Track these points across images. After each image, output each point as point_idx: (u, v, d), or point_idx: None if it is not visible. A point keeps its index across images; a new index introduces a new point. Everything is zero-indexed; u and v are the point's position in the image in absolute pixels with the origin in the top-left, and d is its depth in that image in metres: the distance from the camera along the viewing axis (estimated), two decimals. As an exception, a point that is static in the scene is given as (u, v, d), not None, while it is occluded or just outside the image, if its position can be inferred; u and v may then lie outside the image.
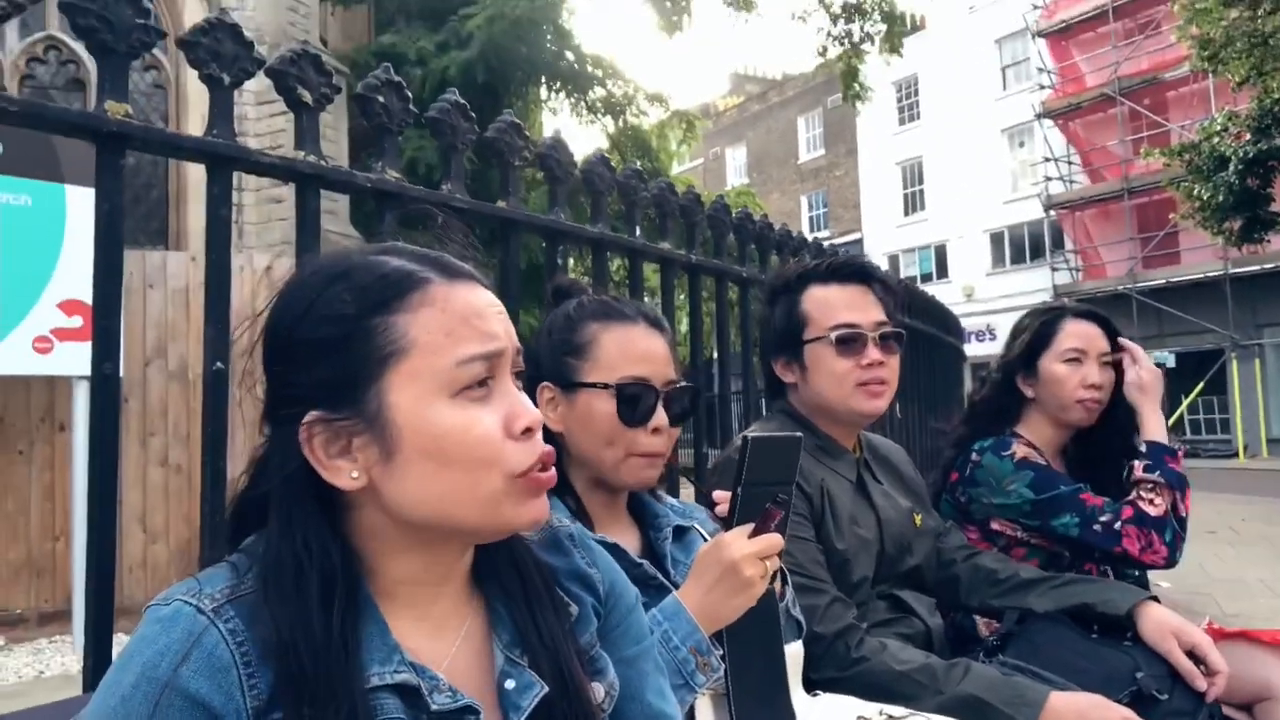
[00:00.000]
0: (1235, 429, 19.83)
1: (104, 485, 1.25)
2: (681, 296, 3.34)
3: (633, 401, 1.30)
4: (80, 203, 4.93)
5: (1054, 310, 2.18)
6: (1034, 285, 23.45)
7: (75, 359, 4.91)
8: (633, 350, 1.32)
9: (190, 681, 0.69)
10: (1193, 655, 1.60)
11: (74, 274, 4.91)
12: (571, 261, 2.15)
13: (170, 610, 0.72)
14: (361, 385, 0.76)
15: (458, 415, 0.76)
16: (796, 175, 32.12)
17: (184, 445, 5.58)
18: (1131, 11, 21.71)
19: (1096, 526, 1.87)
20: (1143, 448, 1.96)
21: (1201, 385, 19.91)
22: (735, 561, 1.16)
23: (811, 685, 1.45)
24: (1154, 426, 1.97)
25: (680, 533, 1.40)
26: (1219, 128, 12.73)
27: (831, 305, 1.73)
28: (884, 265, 24.34)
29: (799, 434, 1.27)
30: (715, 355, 2.83)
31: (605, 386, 1.30)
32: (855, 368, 1.71)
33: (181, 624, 0.71)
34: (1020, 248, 25.23)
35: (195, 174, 6.84)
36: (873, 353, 1.70)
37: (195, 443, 5.68)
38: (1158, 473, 1.90)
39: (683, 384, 1.36)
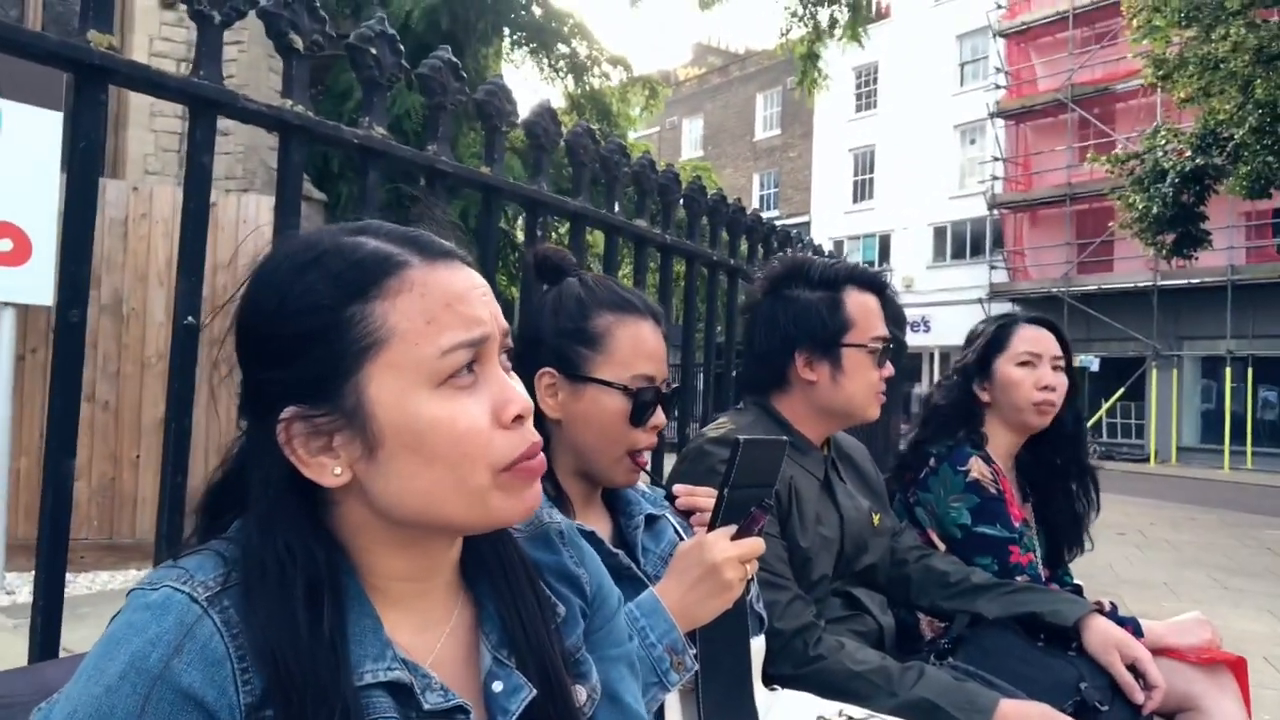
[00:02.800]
0: (1149, 435, 20.61)
1: (62, 435, 1.19)
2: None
3: (645, 403, 1.28)
4: (17, 120, 4.67)
5: (1007, 317, 2.22)
6: (972, 281, 23.97)
7: (2, 284, 4.69)
8: (644, 348, 1.30)
9: (183, 675, 0.65)
10: (1132, 669, 1.65)
11: (6, 194, 4.66)
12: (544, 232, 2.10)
13: (160, 596, 0.68)
14: (339, 380, 0.72)
15: (442, 407, 0.72)
16: (751, 152, 32.17)
17: (112, 382, 5.39)
18: (1091, 20, 22.12)
19: (1009, 581, 1.90)
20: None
21: (1122, 391, 20.61)
22: (718, 564, 1.16)
23: (769, 680, 1.46)
24: None
25: (651, 521, 1.40)
26: (1162, 140, 13.09)
27: (873, 314, 1.76)
28: (828, 249, 24.70)
29: (785, 439, 1.30)
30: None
31: (623, 388, 1.27)
32: (880, 379, 1.76)
33: (174, 612, 0.67)
34: (961, 244, 25.71)
35: (138, 98, 6.56)
36: (888, 366, 1.77)
37: (125, 379, 5.50)
38: None
39: (675, 384, 1.37)
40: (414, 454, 0.72)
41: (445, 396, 0.73)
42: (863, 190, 28.46)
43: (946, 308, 24.19)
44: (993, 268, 23.96)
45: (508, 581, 0.84)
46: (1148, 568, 7.09)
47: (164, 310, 5.47)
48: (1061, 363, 2.12)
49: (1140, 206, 12.95)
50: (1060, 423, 2.11)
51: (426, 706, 0.74)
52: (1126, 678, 1.63)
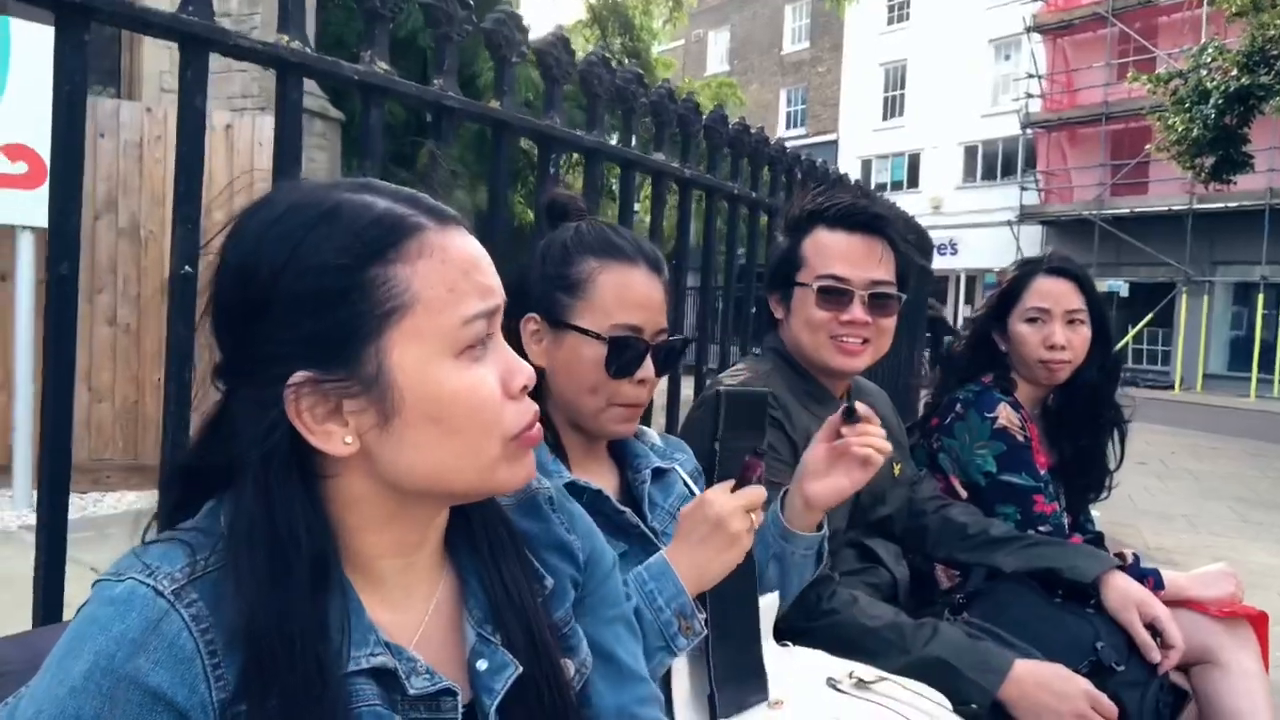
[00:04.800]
0: (1176, 361, 20.37)
1: (59, 387, 1.16)
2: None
3: (622, 353, 1.24)
4: (27, 38, 4.58)
5: (1028, 265, 2.13)
6: (1002, 203, 23.48)
7: (18, 207, 4.65)
8: (629, 296, 1.25)
9: (150, 674, 0.63)
10: (1151, 627, 1.63)
11: (19, 116, 4.59)
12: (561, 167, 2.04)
13: (124, 590, 0.66)
14: (358, 343, 0.69)
15: (463, 376, 0.71)
16: (778, 67, 31.33)
17: (133, 305, 5.39)
18: (1136, -72, 21.13)
19: (1030, 531, 1.87)
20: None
21: (1150, 316, 20.32)
22: (722, 517, 1.14)
23: (780, 635, 1.44)
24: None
25: (659, 474, 1.38)
26: (1208, 59, 12.58)
27: (829, 253, 1.66)
28: (856, 169, 24.30)
29: (767, 390, 1.28)
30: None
31: (597, 336, 1.24)
32: (833, 320, 1.65)
33: (138, 607, 0.64)
34: (992, 164, 25.11)
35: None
36: (856, 310, 1.64)
37: (145, 302, 5.50)
38: None
39: (672, 337, 1.32)
40: (434, 424, 0.70)
41: (464, 366, 0.72)
42: (893, 107, 27.73)
43: (975, 230, 23.79)
44: (1023, 189, 23.41)
45: (493, 553, 0.82)
46: (1168, 498, 7.06)
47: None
48: (1081, 315, 2.03)
49: (1180, 128, 12.50)
50: (1083, 375, 2.05)
51: (412, 691, 0.73)
52: (1144, 637, 1.61)
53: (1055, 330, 2.00)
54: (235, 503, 0.70)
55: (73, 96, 1.13)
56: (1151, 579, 1.78)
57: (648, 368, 1.27)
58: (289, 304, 0.69)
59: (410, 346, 0.70)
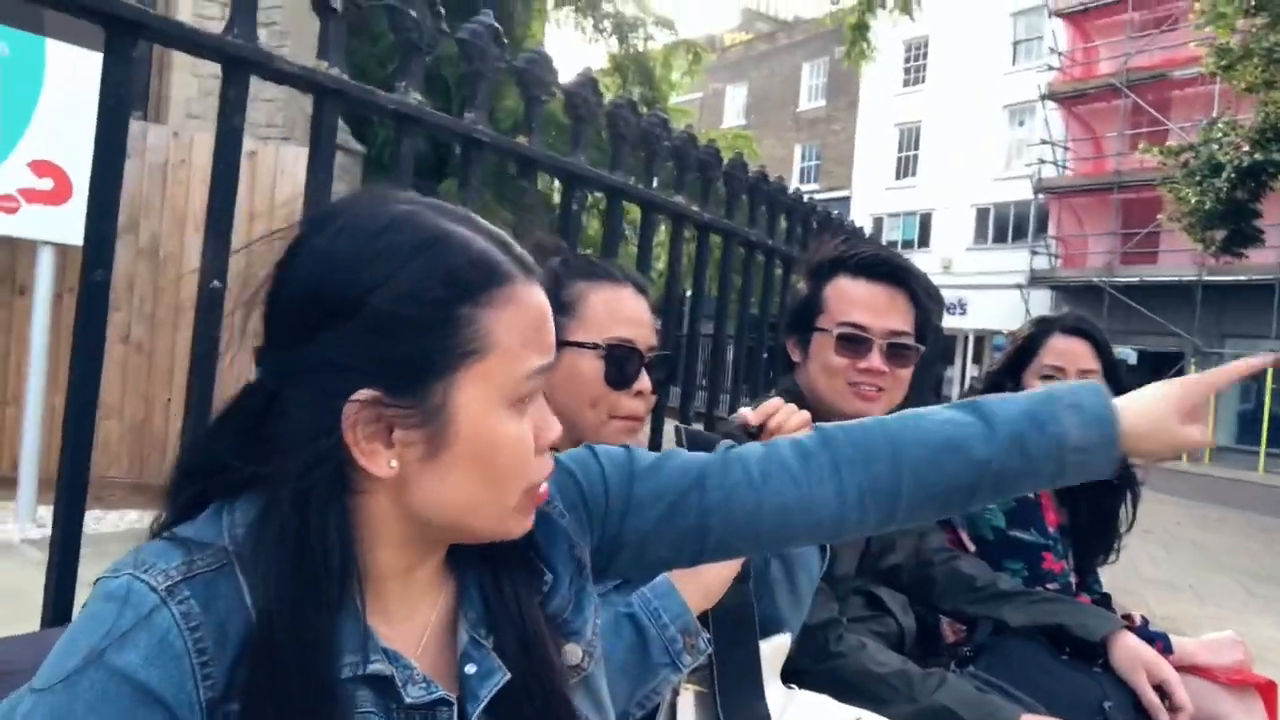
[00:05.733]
0: (1183, 432, 20.22)
1: (84, 394, 1.18)
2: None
3: (620, 363, 1.28)
4: (61, 59, 4.69)
5: (1044, 323, 2.13)
6: (1012, 265, 23.56)
7: (42, 222, 4.73)
8: (621, 312, 1.30)
9: (140, 670, 0.63)
10: (1159, 690, 1.61)
11: (49, 134, 4.69)
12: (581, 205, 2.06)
13: (119, 585, 0.66)
14: (432, 376, 0.70)
15: (515, 426, 0.74)
16: (794, 123, 31.72)
17: (147, 324, 5.44)
18: (1150, 3, 21.45)
19: (1037, 588, 1.85)
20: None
21: (1158, 386, 20.25)
22: None
23: (787, 678, 1.43)
24: None
25: None
26: (1219, 134, 12.72)
27: (850, 301, 1.68)
28: (868, 226, 24.43)
29: (720, 437, 1.30)
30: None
31: (594, 347, 1.28)
32: (851, 368, 1.66)
33: (132, 602, 0.65)
34: (1004, 227, 25.25)
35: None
36: (874, 359, 1.65)
37: (159, 323, 5.54)
38: None
39: (663, 352, 1.36)
40: (479, 466, 0.73)
41: (514, 416, 0.74)
42: (906, 167, 27.99)
43: (985, 291, 23.84)
44: (1034, 253, 23.51)
45: (492, 557, 0.82)
46: (1173, 568, 6.99)
47: (199, 256, 5.49)
48: (1095, 376, 2.03)
49: (1192, 200, 12.60)
50: None
51: (408, 700, 0.72)
52: (1153, 699, 1.59)
53: None
54: (265, 506, 0.69)
55: (117, 110, 1.16)
56: (1160, 643, 1.77)
57: (644, 379, 1.31)
58: (375, 321, 0.69)
59: (477, 390, 0.72)
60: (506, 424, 0.73)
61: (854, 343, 1.66)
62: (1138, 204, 21.06)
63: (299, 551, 0.68)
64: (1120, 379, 2.09)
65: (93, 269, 1.15)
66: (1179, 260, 20.15)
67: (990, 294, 23.62)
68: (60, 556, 1.14)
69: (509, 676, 0.78)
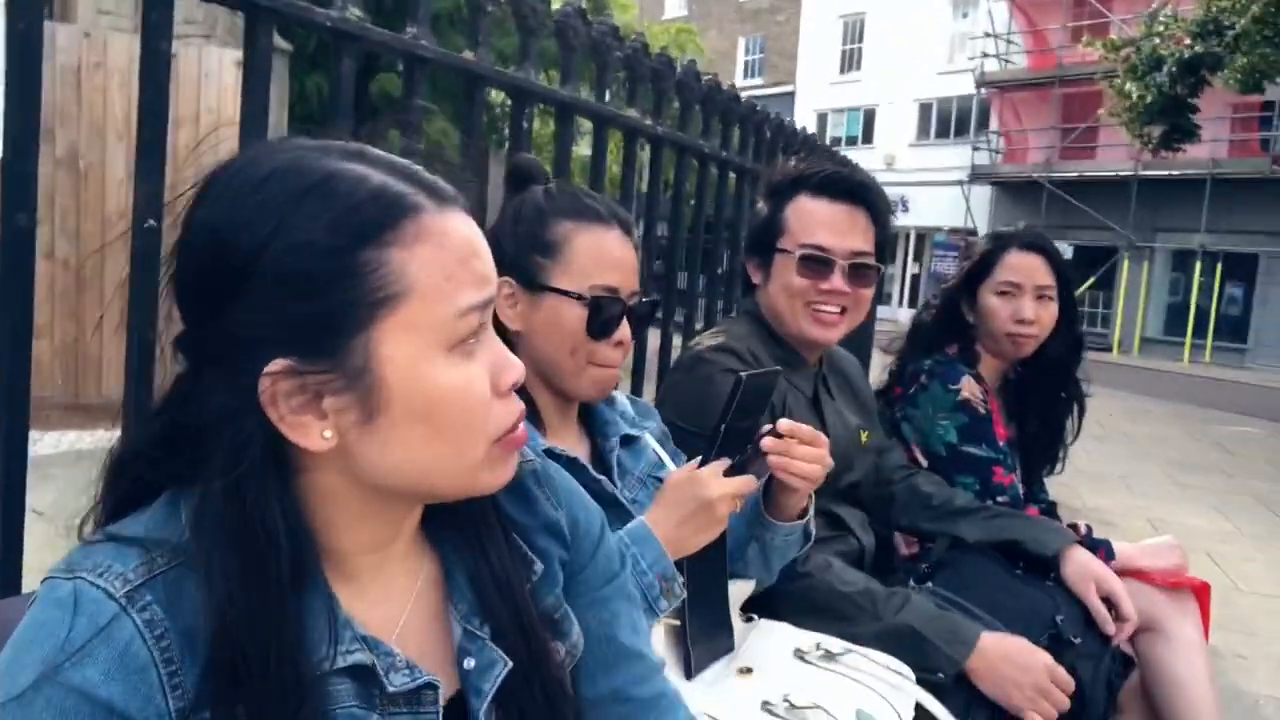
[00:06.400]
0: (1115, 324, 20.89)
1: (16, 354, 1.11)
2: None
3: (602, 314, 1.25)
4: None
5: (1000, 238, 2.14)
6: (954, 162, 23.64)
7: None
8: (606, 257, 1.26)
9: (100, 687, 0.59)
10: (1106, 601, 1.68)
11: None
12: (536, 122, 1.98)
13: (70, 591, 0.61)
14: (346, 334, 0.63)
15: (456, 373, 0.66)
16: (737, 14, 30.95)
17: (72, 240, 5.20)
18: (1098, -109, 21.12)
19: (988, 501, 1.90)
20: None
21: (1092, 280, 20.75)
22: (712, 500, 1.16)
23: (751, 599, 1.45)
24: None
25: (628, 440, 1.39)
26: (1161, 27, 12.73)
27: (811, 221, 1.65)
28: (812, 122, 24.25)
29: (779, 369, 1.30)
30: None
31: (579, 297, 1.24)
32: (812, 289, 1.65)
33: (87, 611, 0.60)
34: (946, 122, 25.21)
35: (89, -70, 6.09)
36: (836, 280, 1.64)
37: (85, 237, 5.30)
38: None
39: (645, 298, 1.32)
40: (423, 423, 0.66)
41: (456, 362, 0.67)
42: (850, 60, 27.62)
43: (927, 188, 23.95)
44: (976, 149, 23.59)
45: (480, 541, 0.78)
46: (1104, 460, 7.27)
47: (123, 166, 5.24)
48: (1051, 291, 2.05)
49: (1134, 95, 12.68)
50: (1049, 350, 2.08)
51: (391, 689, 0.69)
52: (1101, 611, 1.66)
53: (1025, 304, 2.01)
54: (201, 496, 0.64)
55: (28, 35, 1.06)
56: (1103, 550, 1.83)
57: (625, 329, 1.28)
58: (271, 283, 0.62)
59: (402, 339, 0.64)
60: (446, 372, 0.66)
61: (816, 264, 1.64)
62: (1079, 99, 21.13)
63: (241, 542, 0.63)
64: (1072, 292, 2.12)
65: (15, 211, 1.07)
66: (1116, 155, 20.40)
67: (932, 191, 23.75)
68: (3, 519, 1.08)
69: (511, 665, 0.76)
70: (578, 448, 1.32)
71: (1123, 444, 8.28)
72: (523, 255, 1.26)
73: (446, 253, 0.66)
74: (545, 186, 1.31)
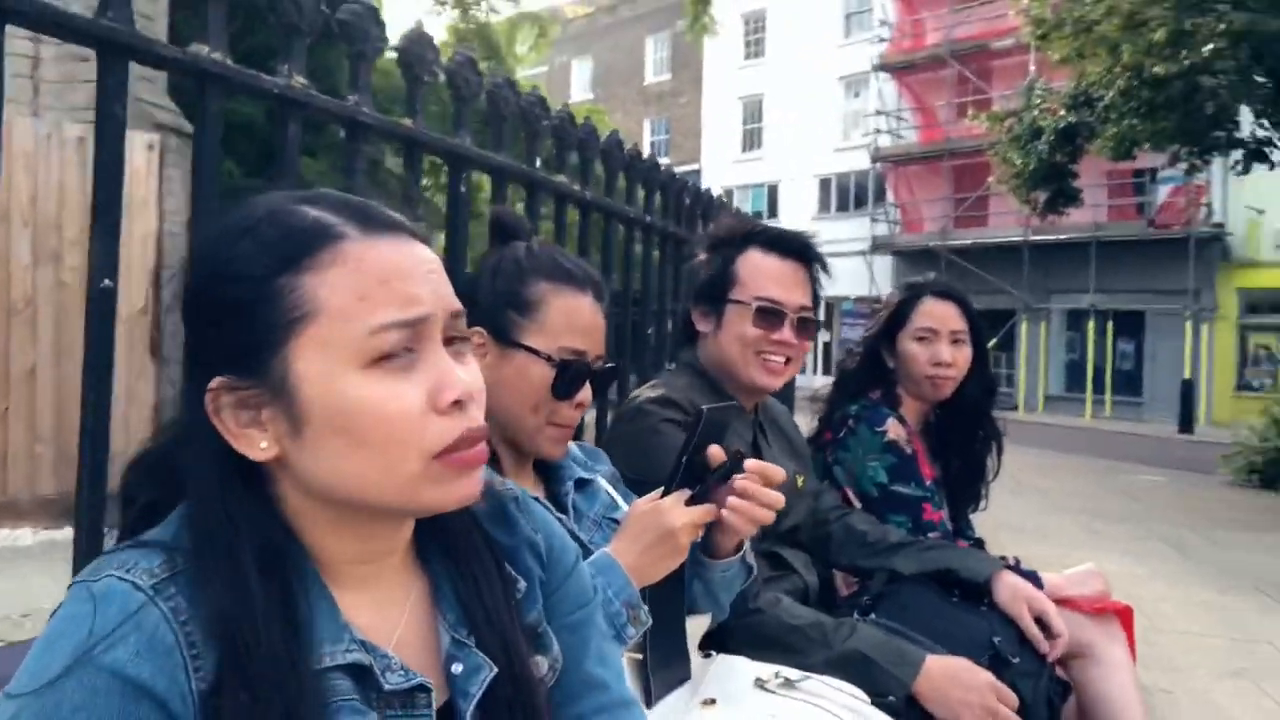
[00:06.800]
0: (1019, 384, 21.75)
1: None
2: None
3: (569, 375, 1.29)
4: None
5: (914, 288, 2.27)
6: (856, 233, 24.56)
7: None
8: (578, 321, 1.30)
9: (129, 665, 0.63)
10: (1039, 621, 1.75)
11: None
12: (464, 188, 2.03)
13: (102, 586, 0.66)
14: (266, 352, 0.70)
15: (372, 388, 0.70)
16: (641, 97, 31.91)
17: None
18: (973, -23, 22.67)
19: (921, 537, 1.98)
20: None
21: (994, 341, 21.64)
22: (675, 529, 1.19)
23: (706, 638, 1.49)
24: None
25: (581, 484, 1.42)
26: (1038, 99, 13.59)
27: (764, 275, 1.75)
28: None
29: (736, 402, 1.32)
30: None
31: (548, 358, 1.28)
32: (764, 339, 1.73)
33: (117, 602, 0.65)
34: (845, 196, 26.27)
35: None
36: (786, 331, 1.74)
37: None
38: None
39: (609, 364, 1.37)
40: (341, 435, 0.70)
41: (375, 378, 0.70)
42: (752, 140, 28.67)
43: (832, 260, 24.52)
44: (875, 220, 24.59)
45: (466, 560, 0.83)
46: (1021, 513, 7.50)
47: (29, 252, 5.09)
48: (964, 335, 2.18)
49: (1018, 163, 13.46)
50: (965, 391, 2.19)
51: (387, 687, 0.73)
52: (1034, 630, 1.74)
53: (942, 349, 2.13)
54: (187, 505, 0.72)
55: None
56: (1032, 579, 1.92)
57: (587, 391, 1.32)
58: (211, 312, 0.72)
59: (315, 356, 0.70)
60: (361, 386, 0.69)
61: (770, 315, 1.73)
62: (968, 169, 22.32)
63: (216, 540, 0.69)
64: (983, 336, 2.25)
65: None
66: (1007, 222, 21.54)
67: (837, 261, 23.95)
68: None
69: (497, 670, 0.79)
70: (533, 492, 1.35)
71: (1036, 497, 8.57)
72: (498, 309, 1.29)
73: (362, 275, 0.71)
74: (526, 244, 1.35)
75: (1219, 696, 3.65)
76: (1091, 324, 20.61)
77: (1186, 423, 17.73)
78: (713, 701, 1.29)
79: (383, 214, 0.75)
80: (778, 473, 1.25)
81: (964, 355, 2.16)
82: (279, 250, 0.71)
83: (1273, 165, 11.19)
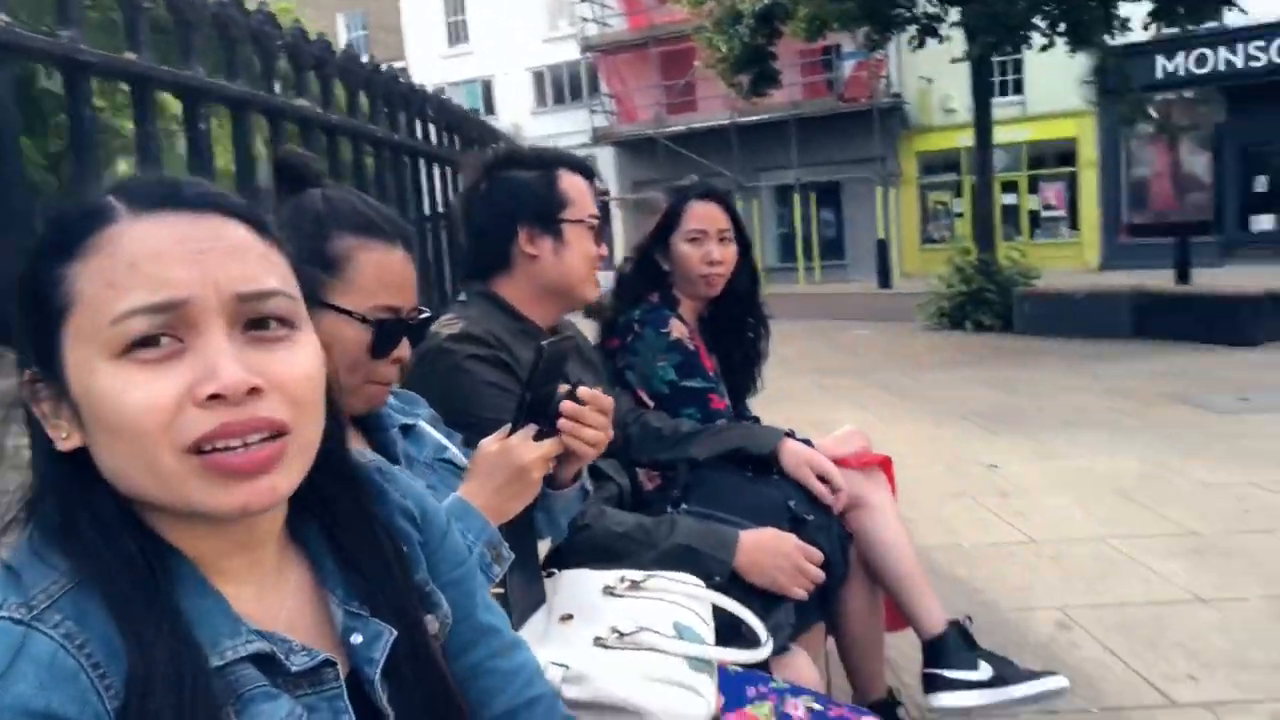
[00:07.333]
0: (736, 259, 23.12)
1: None
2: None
3: (385, 334, 1.24)
4: None
5: (680, 191, 2.37)
6: (577, 126, 24.63)
7: None
8: (390, 277, 1.24)
9: (35, 699, 0.60)
10: (821, 479, 1.95)
11: None
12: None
13: None
14: (46, 344, 0.69)
15: (114, 380, 0.66)
16: (332, -8, 29.69)
17: None
18: None
19: (711, 424, 2.12)
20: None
21: (713, 221, 22.77)
22: (527, 466, 1.21)
23: (542, 565, 1.53)
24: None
25: (406, 429, 1.40)
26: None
27: (585, 194, 1.79)
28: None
29: (573, 336, 1.34)
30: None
31: (362, 318, 1.22)
32: (598, 256, 1.80)
33: (2, 640, 0.61)
34: (561, 89, 26.15)
35: None
36: (603, 246, 1.83)
37: None
38: None
39: (425, 313, 1.32)
40: (102, 429, 0.67)
41: (123, 368, 0.66)
42: (458, 33, 27.64)
43: (554, 153, 24.68)
44: (593, 113, 24.75)
45: (349, 532, 0.81)
46: (769, 381, 8.11)
47: None
48: (729, 233, 2.30)
49: (723, 48, 13.98)
50: (734, 285, 2.33)
51: (294, 669, 0.73)
52: (819, 487, 1.93)
53: (713, 248, 2.25)
54: (43, 512, 0.70)
55: None
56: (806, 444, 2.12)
57: (405, 346, 1.27)
58: (24, 307, 0.70)
59: (75, 348, 0.67)
60: (105, 378, 0.66)
61: (597, 233, 1.80)
62: (676, 55, 22.89)
63: (94, 561, 0.67)
64: (745, 230, 2.39)
65: None
66: (715, 106, 22.44)
67: (560, 155, 24.56)
68: None
69: (396, 634, 0.79)
70: (358, 446, 1.31)
71: (778, 364, 9.25)
72: (300, 267, 1.21)
73: (115, 260, 0.67)
74: (323, 193, 1.25)
75: (946, 515, 4.24)
76: (797, 197, 22.18)
77: (884, 278, 19.76)
78: (570, 616, 1.34)
79: (158, 188, 0.71)
80: (608, 401, 1.29)
81: (731, 252, 2.29)
82: (57, 238, 0.69)
83: (941, 39, 12.41)
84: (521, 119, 26.11)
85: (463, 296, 1.91)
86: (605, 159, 24.06)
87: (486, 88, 27.12)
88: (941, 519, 4.18)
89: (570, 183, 1.80)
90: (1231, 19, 13.36)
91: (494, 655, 0.92)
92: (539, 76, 26.38)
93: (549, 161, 1.81)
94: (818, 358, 9.68)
